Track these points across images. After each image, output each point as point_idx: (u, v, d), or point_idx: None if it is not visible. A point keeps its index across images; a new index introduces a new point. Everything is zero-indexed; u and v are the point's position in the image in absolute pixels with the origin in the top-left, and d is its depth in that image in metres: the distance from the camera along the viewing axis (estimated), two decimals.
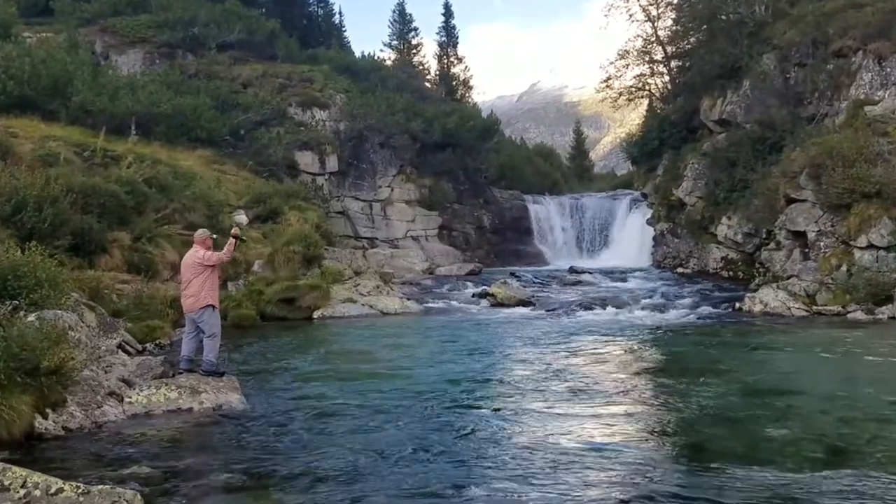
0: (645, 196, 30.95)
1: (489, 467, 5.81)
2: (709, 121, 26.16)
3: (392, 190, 33.29)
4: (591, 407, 7.78)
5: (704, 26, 28.58)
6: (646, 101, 36.27)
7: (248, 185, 25.89)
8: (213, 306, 8.61)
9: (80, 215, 14.00)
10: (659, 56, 33.50)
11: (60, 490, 4.42)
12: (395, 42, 47.59)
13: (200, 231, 9.12)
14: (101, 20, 35.49)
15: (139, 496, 4.60)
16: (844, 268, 15.89)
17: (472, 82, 48.90)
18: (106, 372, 8.32)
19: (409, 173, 33.79)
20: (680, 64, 31.68)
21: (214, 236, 9.09)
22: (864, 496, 5.06)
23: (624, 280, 22.88)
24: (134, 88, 27.13)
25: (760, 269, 20.71)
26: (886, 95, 19.27)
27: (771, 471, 5.58)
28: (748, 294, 16.81)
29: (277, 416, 7.63)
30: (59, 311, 8.58)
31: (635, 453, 6.10)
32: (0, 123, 18.97)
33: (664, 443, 6.46)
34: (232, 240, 8.68)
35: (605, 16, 56.88)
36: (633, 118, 59.98)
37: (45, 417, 6.65)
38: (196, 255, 8.64)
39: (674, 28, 31.84)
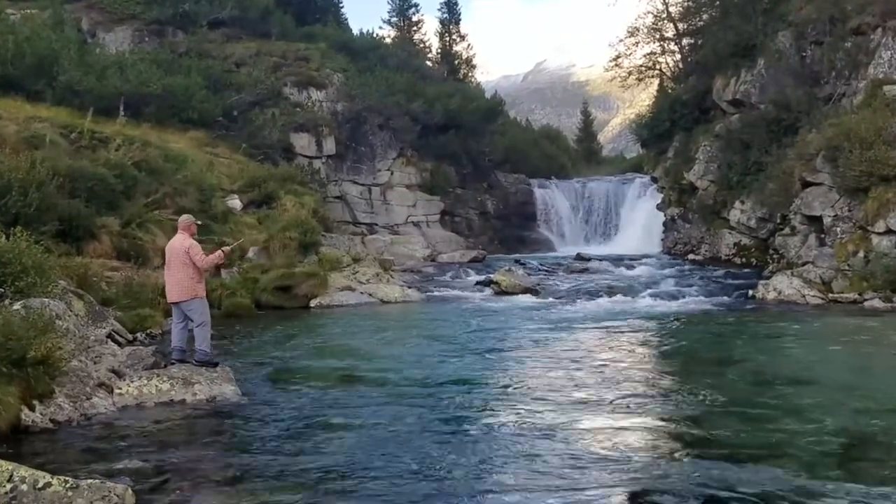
0: (655, 180, 30.86)
1: (490, 466, 5.83)
2: (722, 101, 26.03)
3: (392, 174, 33.20)
4: (599, 402, 7.79)
5: (717, 2, 28.37)
6: (656, 81, 36.08)
7: (241, 168, 25.82)
8: (200, 296, 8.62)
9: (67, 200, 13.99)
10: (670, 33, 33.29)
11: (48, 484, 4.44)
12: (394, 19, 47.30)
13: (185, 217, 9.10)
14: None
15: (130, 491, 4.61)
16: (862, 254, 15.85)
17: (475, 61, 48.64)
18: (95, 362, 8.34)
19: (409, 156, 33.67)
20: (692, 42, 31.48)
21: (199, 223, 9.14)
22: (883, 491, 5.07)
23: (633, 267, 22.83)
24: (122, 67, 26.98)
25: (774, 256, 20.69)
26: None
27: (786, 466, 5.59)
28: (762, 281, 16.79)
29: (273, 408, 7.65)
30: (45, 300, 8.59)
31: (645, 450, 6.11)
32: None
33: (676, 437, 6.47)
34: (219, 253, 8.91)
35: None
36: (643, 98, 59.65)
37: (32, 409, 6.66)
38: (183, 243, 8.62)
39: (686, 4, 31.61)
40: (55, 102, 22.93)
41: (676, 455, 5.91)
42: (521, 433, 6.58)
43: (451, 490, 5.23)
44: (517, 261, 24.78)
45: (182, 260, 8.50)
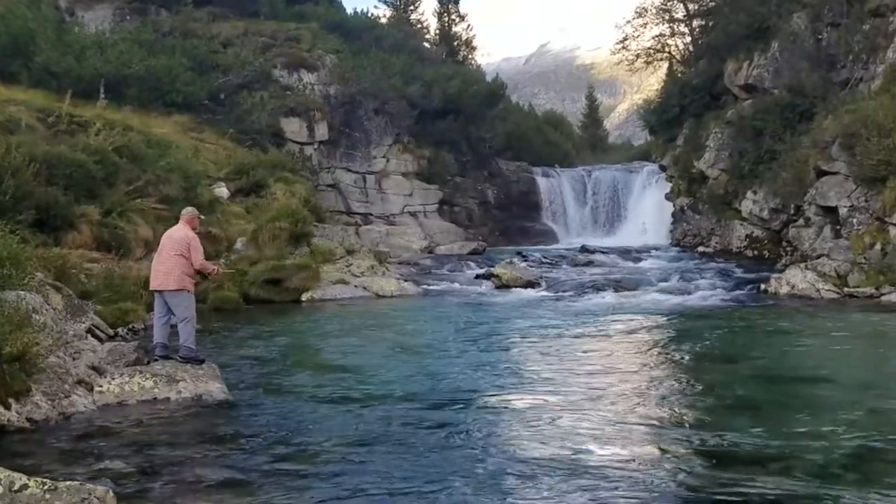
0: (663, 168, 30.87)
1: (481, 469, 5.84)
2: (734, 86, 26.01)
3: (388, 161, 33.14)
4: (607, 403, 7.79)
5: None
6: (665, 65, 36.11)
7: (228, 154, 25.78)
8: (188, 290, 8.61)
9: (44, 187, 13.94)
10: (680, 14, 33.30)
11: (25, 486, 4.43)
12: None
13: (189, 209, 9.14)
14: None
15: (111, 493, 4.60)
16: (879, 246, 15.88)
17: (475, 42, 48.42)
18: (74, 359, 8.32)
19: (406, 143, 33.61)
20: (703, 23, 31.47)
21: (202, 217, 9.19)
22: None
23: (640, 260, 22.88)
24: (103, 47, 26.90)
25: (788, 248, 20.73)
26: None
27: (799, 469, 5.59)
28: (774, 275, 16.82)
29: (262, 407, 7.66)
30: (21, 293, 8.57)
31: (655, 454, 6.09)
32: None
33: (686, 440, 6.46)
34: (215, 267, 9.32)
35: None
36: (651, 83, 59.67)
37: (8, 408, 6.65)
38: (186, 233, 8.64)
39: None
40: (31, 84, 22.87)
41: (687, 459, 5.89)
42: (519, 439, 6.59)
43: (443, 482, 5.25)
44: (519, 253, 24.79)
45: (178, 250, 8.49)
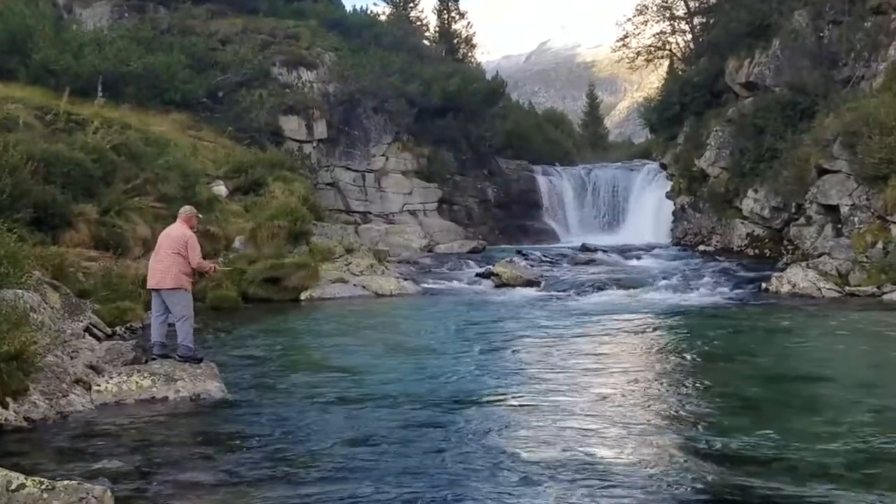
0: (664, 167, 30.84)
1: (485, 474, 5.83)
2: (734, 84, 25.99)
3: (387, 159, 33.10)
4: (606, 403, 7.80)
5: None
6: (666, 62, 36.04)
7: (227, 153, 25.76)
8: (186, 289, 8.61)
9: (41, 186, 13.92)
10: (681, 12, 33.24)
11: (22, 486, 4.42)
12: None
13: (187, 208, 9.14)
14: None
15: (109, 493, 4.60)
16: (880, 245, 15.87)
17: (475, 40, 48.42)
18: (72, 358, 8.32)
19: (405, 141, 33.57)
20: (704, 21, 31.42)
21: (201, 216, 9.21)
22: None
23: (640, 258, 22.87)
24: (101, 45, 26.88)
25: (789, 247, 20.72)
26: None
27: (800, 470, 5.59)
28: (775, 274, 16.81)
29: (260, 406, 7.66)
30: (19, 291, 8.56)
31: (655, 456, 6.07)
32: None
33: (686, 441, 6.46)
34: (213, 266, 9.47)
35: None
36: (651, 81, 59.58)
37: (6, 407, 6.65)
38: (184, 233, 8.64)
39: None
40: (29, 82, 22.85)
41: (691, 460, 5.88)
42: (522, 441, 6.58)
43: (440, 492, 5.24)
44: (519, 252, 24.76)
45: (176, 248, 8.49)
